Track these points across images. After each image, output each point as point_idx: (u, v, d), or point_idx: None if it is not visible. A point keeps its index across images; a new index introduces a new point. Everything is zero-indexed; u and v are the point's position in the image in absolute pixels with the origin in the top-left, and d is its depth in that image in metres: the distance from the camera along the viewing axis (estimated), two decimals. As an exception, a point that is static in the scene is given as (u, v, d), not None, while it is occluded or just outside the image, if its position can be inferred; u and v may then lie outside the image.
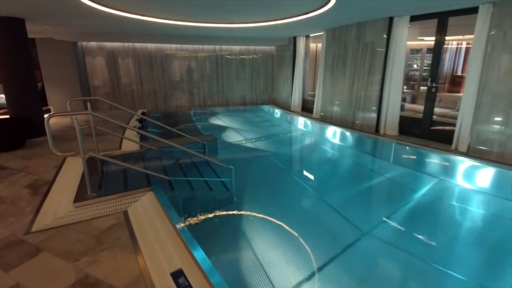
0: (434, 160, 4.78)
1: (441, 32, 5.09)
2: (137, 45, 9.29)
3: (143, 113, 8.58)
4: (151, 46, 9.39)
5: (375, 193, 4.19)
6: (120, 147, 5.22)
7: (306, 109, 8.59)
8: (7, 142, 5.02)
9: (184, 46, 9.65)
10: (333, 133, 6.81)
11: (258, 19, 5.78)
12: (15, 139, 5.13)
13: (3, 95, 7.57)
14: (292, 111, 8.74)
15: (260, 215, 3.39)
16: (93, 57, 9.10)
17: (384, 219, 3.31)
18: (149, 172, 3.55)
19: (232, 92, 10.30)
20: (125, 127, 5.25)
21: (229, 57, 9.99)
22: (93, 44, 9.00)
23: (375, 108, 5.94)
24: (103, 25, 6.57)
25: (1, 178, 3.83)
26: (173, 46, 9.57)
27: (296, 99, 8.71)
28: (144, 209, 2.97)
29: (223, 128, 7.72)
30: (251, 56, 10.19)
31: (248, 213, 3.46)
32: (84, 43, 8.94)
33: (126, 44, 9.19)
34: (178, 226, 2.58)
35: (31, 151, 5.03)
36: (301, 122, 8.04)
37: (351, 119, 6.54)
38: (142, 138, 6.44)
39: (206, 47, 9.76)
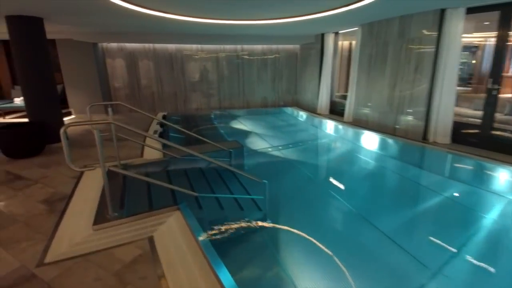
0: (503, 175, 4.09)
1: (504, 26, 4.40)
2: (158, 46, 9.01)
3: (163, 117, 8.27)
4: (171, 47, 9.09)
5: (433, 216, 3.58)
6: (142, 154, 4.86)
7: (335, 111, 7.99)
8: (25, 149, 4.77)
9: (205, 47, 9.28)
10: (371, 140, 6.09)
11: (290, 14, 5.27)
12: (34, 145, 4.88)
13: (20, 98, 7.48)
14: (319, 114, 8.15)
15: (299, 242, 2.91)
16: (113, 58, 8.90)
17: (454, 251, 2.72)
18: (175, 188, 3.13)
19: (253, 93, 9.85)
20: (146, 135, 4.90)
21: (250, 57, 9.54)
22: (114, 45, 8.79)
23: (422, 111, 5.27)
24: (123, 24, 6.27)
25: (17, 190, 3.54)
26: (194, 46, 9.22)
27: (323, 101, 8.13)
28: (172, 235, 2.54)
29: (245, 133, 7.26)
30: (273, 56, 9.69)
31: (285, 240, 2.99)
32: (105, 44, 8.74)
33: (146, 45, 8.93)
34: (210, 257, 2.14)
35: (49, 158, 4.76)
36: (331, 127, 7.39)
37: (392, 124, 5.88)
38: (164, 137, 6.16)
39: (227, 47, 9.35)
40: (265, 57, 9.65)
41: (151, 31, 7.60)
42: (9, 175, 4.05)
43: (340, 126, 6.88)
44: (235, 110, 9.67)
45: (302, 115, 8.70)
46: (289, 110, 9.62)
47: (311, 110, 8.71)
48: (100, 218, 2.72)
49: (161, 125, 7.20)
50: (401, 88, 5.59)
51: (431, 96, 5.17)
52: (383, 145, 5.76)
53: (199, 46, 9.26)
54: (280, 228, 3.19)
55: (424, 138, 5.33)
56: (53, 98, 5.47)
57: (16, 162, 4.58)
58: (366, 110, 6.49)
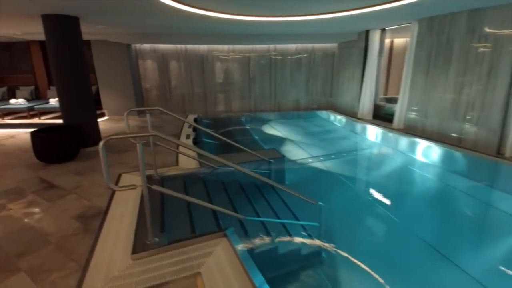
0: None
1: None
2: (189, 47, 8.77)
3: (195, 120, 7.99)
4: (203, 48, 8.81)
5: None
6: (177, 161, 4.53)
7: (379, 116, 7.26)
8: (60, 154, 4.61)
9: (237, 47, 8.91)
10: (431, 152, 5.18)
11: (340, 8, 4.70)
12: (68, 150, 4.71)
13: (56, 99, 7.51)
14: (359, 119, 7.46)
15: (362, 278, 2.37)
16: (145, 59, 8.78)
17: None
18: (221, 210, 2.70)
19: (285, 96, 9.33)
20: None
21: (282, 57, 9.02)
22: (147, 46, 8.67)
23: (497, 121, 4.47)
24: (158, 25, 6.02)
25: (51, 201, 3.30)
26: (225, 47, 8.88)
27: (365, 104, 7.43)
28: (221, 271, 2.11)
29: (279, 140, 6.73)
30: (308, 55, 9.11)
31: (347, 279, 2.46)
32: (138, 46, 8.64)
33: (178, 46, 8.72)
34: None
35: (83, 164, 4.56)
36: (379, 134, 6.58)
37: (457, 133, 5.08)
38: (197, 142, 5.82)
39: (258, 47, 8.92)
40: (299, 56, 9.10)
41: (185, 32, 7.34)
42: (42, 182, 3.87)
43: (390, 134, 6.07)
44: (266, 113, 9.21)
45: (341, 119, 8.01)
46: (323, 113, 8.98)
47: (350, 114, 8.03)
48: (139, 244, 2.35)
49: (194, 129, 6.88)
50: (470, 92, 4.81)
51: (508, 103, 4.37)
52: (446, 159, 4.90)
53: (230, 46, 8.91)
54: (340, 264, 2.67)
55: (498, 152, 4.53)
56: (88, 100, 5.31)
57: (50, 167, 4.42)
58: (423, 116, 5.74)
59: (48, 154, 4.51)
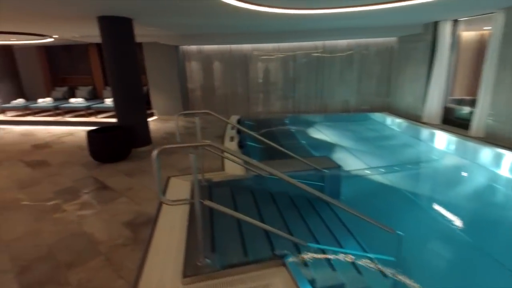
0: None
1: None
2: (234, 47, 8.61)
3: (238, 121, 7.78)
4: (247, 47, 8.58)
5: None
6: (223, 167, 4.30)
7: (450, 121, 6.29)
8: (113, 153, 4.68)
9: (282, 45, 8.51)
10: None
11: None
12: (122, 150, 4.78)
13: (110, 99, 7.88)
14: (424, 123, 6.54)
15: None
16: (191, 61, 8.85)
17: None
18: (280, 234, 2.34)
19: (332, 96, 8.67)
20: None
21: (332, 54, 8.38)
22: (193, 47, 8.72)
23: None
24: (208, 24, 5.88)
25: (102, 204, 3.27)
26: (270, 46, 8.54)
27: (433, 107, 6.50)
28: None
29: (329, 146, 6.13)
30: (361, 52, 8.35)
31: None
32: (185, 47, 8.72)
33: (222, 46, 8.61)
34: None
35: (135, 164, 4.58)
36: (452, 143, 5.48)
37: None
38: (242, 146, 5.56)
39: (305, 44, 8.40)
40: (351, 53, 8.37)
41: (232, 31, 7.16)
42: (96, 183, 3.91)
43: (468, 143, 5.03)
44: (311, 115, 8.66)
45: (400, 123, 7.09)
46: (378, 116, 8.12)
47: (412, 117, 7.13)
48: (190, 266, 2.10)
49: (238, 131, 6.65)
50: None
51: None
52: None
53: (275, 45, 8.54)
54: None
55: None
56: (140, 100, 5.37)
57: (103, 167, 4.51)
58: (509, 122, 4.78)
59: (102, 154, 4.61)
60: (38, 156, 5.16)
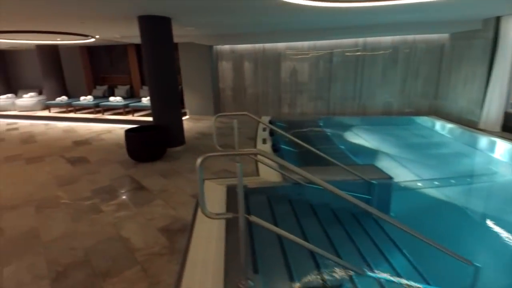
0: None
1: None
2: (267, 46, 8.38)
3: (270, 122, 7.53)
4: (280, 46, 8.29)
5: None
6: (257, 171, 4.06)
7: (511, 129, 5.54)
8: (149, 153, 4.65)
9: (318, 43, 8.10)
10: None
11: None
12: (158, 149, 4.74)
13: (147, 98, 8.08)
14: (481, 130, 5.80)
15: None
16: (224, 60, 8.76)
17: None
18: (333, 259, 2.04)
19: (373, 97, 8.09)
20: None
21: (373, 52, 7.81)
22: (226, 47, 8.62)
23: None
24: (246, 23, 5.69)
25: (139, 206, 3.18)
26: (305, 44, 8.17)
27: (492, 112, 5.75)
28: None
29: (371, 152, 5.62)
30: (406, 49, 7.69)
31: None
32: (219, 47, 8.65)
33: (256, 45, 8.41)
34: None
35: (169, 165, 4.51)
36: None
37: None
38: (276, 150, 5.30)
39: (344, 41, 7.91)
40: (395, 51, 7.73)
41: (269, 30, 6.90)
42: (133, 182, 3.86)
43: None
44: (347, 117, 8.15)
45: (452, 129, 6.33)
46: (425, 120, 7.41)
47: (465, 122, 6.39)
48: (232, 286, 1.87)
49: (271, 133, 6.39)
50: None
51: None
52: None
53: (311, 43, 8.15)
54: None
55: None
56: (176, 100, 5.33)
57: (140, 166, 4.48)
58: None
59: (139, 153, 4.60)
60: (78, 152, 5.30)
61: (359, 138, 6.67)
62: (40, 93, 10.29)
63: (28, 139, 6.39)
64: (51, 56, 9.12)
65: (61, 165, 4.66)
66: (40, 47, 8.89)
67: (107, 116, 8.08)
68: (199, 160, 1.62)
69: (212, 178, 3.89)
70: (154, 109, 5.21)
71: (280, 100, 8.71)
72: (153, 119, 5.28)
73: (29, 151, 5.43)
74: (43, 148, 5.63)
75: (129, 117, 7.90)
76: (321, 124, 7.66)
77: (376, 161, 5.04)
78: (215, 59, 8.71)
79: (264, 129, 6.82)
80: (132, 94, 9.78)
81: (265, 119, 8.27)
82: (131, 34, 7.05)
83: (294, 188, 3.54)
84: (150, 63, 4.99)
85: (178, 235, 2.60)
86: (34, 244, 2.52)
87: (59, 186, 3.77)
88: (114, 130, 7.15)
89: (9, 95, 9.69)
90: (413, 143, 6.20)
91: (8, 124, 8.16)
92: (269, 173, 3.96)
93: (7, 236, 2.66)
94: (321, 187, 2.05)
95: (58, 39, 7.62)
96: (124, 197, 3.42)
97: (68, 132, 7.03)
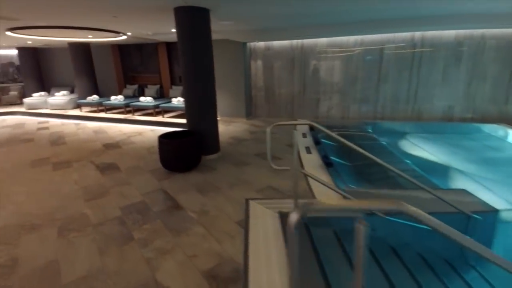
0: None
1: None
2: (307, 42, 7.62)
3: (311, 128, 6.78)
4: (321, 42, 7.51)
5: None
6: (310, 190, 3.36)
7: None
8: (184, 162, 4.10)
9: (367, 38, 7.22)
10: None
11: None
12: (193, 158, 4.18)
13: (177, 99, 7.64)
14: None
15: None
16: (257, 58, 8.13)
17: None
18: None
19: (430, 100, 7.06)
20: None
21: (432, 49, 6.80)
22: (261, 44, 7.98)
23: None
24: (291, 13, 4.99)
25: (176, 233, 2.60)
26: (351, 39, 7.32)
27: None
28: None
29: (441, 169, 4.67)
30: (473, 46, 6.60)
31: None
32: (253, 44, 8.03)
33: (294, 42, 7.69)
34: None
35: (205, 177, 3.93)
36: None
37: None
38: (329, 163, 4.53)
39: (398, 36, 6.96)
40: (459, 46, 6.67)
41: (312, 23, 6.14)
42: (167, 199, 3.32)
43: None
44: (398, 123, 7.20)
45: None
46: (494, 128, 6.29)
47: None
48: None
49: (316, 141, 5.66)
50: None
51: None
52: None
53: (358, 38, 7.28)
54: None
55: None
56: (213, 103, 4.74)
57: (173, 177, 3.96)
58: None
59: (173, 162, 4.08)
60: (108, 157, 4.90)
61: (419, 148, 5.73)
62: (72, 91, 10.25)
63: (58, 140, 6.13)
64: (83, 54, 8.98)
65: (90, 172, 4.24)
66: (72, 44, 8.76)
67: (137, 116, 7.75)
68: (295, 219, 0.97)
69: (258, 199, 3.25)
70: (189, 112, 4.67)
71: (318, 101, 7.93)
72: (188, 123, 4.74)
73: (58, 154, 5.12)
74: (72, 151, 5.31)
75: (159, 118, 7.51)
76: (369, 130, 6.79)
77: (451, 181, 4.15)
78: (248, 57, 8.11)
79: (304, 136, 6.10)
80: (161, 94, 9.43)
81: (302, 122, 7.53)
82: (163, 30, 6.61)
83: (368, 221, 2.80)
84: (186, 61, 4.44)
85: (229, 287, 1.98)
86: (52, 287, 2.01)
87: (86, 201, 3.31)
88: (144, 132, 6.76)
89: (42, 93, 9.71)
90: (488, 157, 5.17)
91: (39, 122, 8.07)
92: (326, 194, 3.26)
93: (22, 273, 2.18)
94: (406, 221, 1.34)
95: (89, 36, 7.37)
96: (158, 219, 2.87)
97: (98, 133, 6.73)
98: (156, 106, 7.69)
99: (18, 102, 10.41)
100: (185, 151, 4.04)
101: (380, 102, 7.45)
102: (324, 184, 2.76)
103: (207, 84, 4.58)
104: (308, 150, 5.14)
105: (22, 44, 9.16)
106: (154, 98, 8.77)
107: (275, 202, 3.12)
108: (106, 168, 4.39)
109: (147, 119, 7.43)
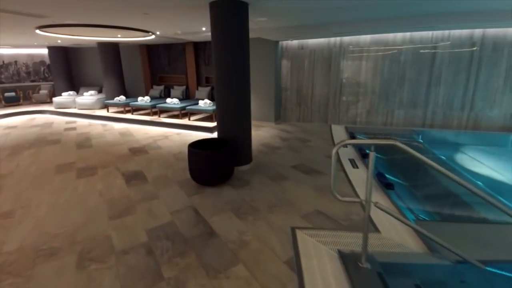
0: None
1: None
2: (346, 39, 6.95)
3: (351, 135, 6.14)
4: (364, 39, 6.82)
5: None
6: (368, 218, 2.76)
7: None
8: (216, 175, 3.65)
9: (416, 35, 6.44)
10: None
11: None
12: (225, 170, 3.72)
13: (204, 101, 7.24)
14: None
15: None
16: (289, 58, 7.58)
17: None
18: None
19: (490, 107, 6.15)
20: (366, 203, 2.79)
21: (495, 48, 5.90)
22: (294, 43, 7.42)
23: None
24: (336, 4, 4.40)
25: (213, 273, 2.13)
26: (398, 36, 6.57)
27: None
28: None
29: (503, 187, 3.93)
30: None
31: None
32: (285, 43, 7.49)
33: (332, 39, 7.05)
34: None
35: (240, 194, 3.46)
36: None
37: None
38: (389, 184, 3.87)
39: (453, 33, 6.11)
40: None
41: (354, 18, 5.50)
42: (199, 222, 2.88)
43: None
44: (450, 132, 6.35)
45: None
46: None
47: None
48: None
49: (364, 154, 5.03)
50: None
51: None
52: None
53: (406, 35, 6.51)
54: None
55: None
56: (248, 107, 4.26)
57: (204, 192, 3.52)
58: None
59: (204, 176, 3.63)
60: (134, 164, 4.57)
61: (480, 164, 4.93)
62: (100, 91, 10.23)
63: (84, 142, 5.94)
64: (112, 53, 8.86)
65: (115, 181, 3.92)
66: (101, 44, 8.65)
67: (163, 119, 7.46)
68: None
69: (306, 228, 2.72)
70: (221, 117, 4.22)
71: (356, 105, 7.24)
72: (219, 129, 4.29)
73: (83, 159, 4.87)
74: (98, 155, 5.05)
75: (185, 120, 7.17)
76: (420, 140, 6.03)
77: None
78: (280, 57, 7.58)
79: (345, 145, 5.46)
80: (187, 95, 9.14)
81: (338, 128, 6.91)
82: (193, 29, 6.24)
83: (457, 270, 2.18)
84: (221, 60, 3.99)
85: None
86: None
87: (110, 219, 2.94)
88: (171, 135, 6.44)
89: (71, 92, 9.74)
90: None
91: (67, 122, 8.02)
92: (393, 227, 2.66)
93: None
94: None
95: (118, 35, 7.16)
96: (191, 250, 2.42)
97: (124, 135, 6.49)
98: (183, 108, 7.36)
99: (48, 100, 10.56)
100: (218, 163, 3.59)
101: (430, 108, 6.63)
102: (407, 224, 2.17)
103: (244, 86, 4.11)
104: (353, 164, 4.54)
105: (52, 43, 9.21)
106: (180, 99, 8.47)
107: (329, 235, 2.58)
108: (132, 177, 4.04)
109: (173, 121, 7.12)
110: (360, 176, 3.92)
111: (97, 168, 4.45)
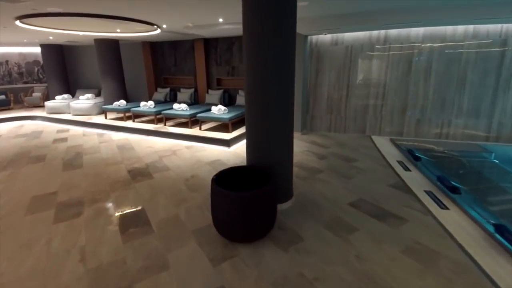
0: None
1: None
2: (392, 33, 5.75)
3: (410, 152, 4.90)
4: (414, 32, 5.61)
5: None
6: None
7: None
8: (256, 226, 2.45)
9: (483, 28, 5.23)
10: None
11: None
12: (265, 218, 2.51)
13: (218, 107, 6.02)
14: None
15: None
16: (319, 55, 6.38)
17: None
18: None
19: None
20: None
21: None
22: (327, 38, 6.22)
23: None
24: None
25: None
26: (458, 29, 5.35)
27: None
28: None
29: None
30: None
31: None
32: (315, 38, 6.30)
33: (374, 33, 5.85)
34: None
35: (292, 262, 2.27)
36: None
37: None
38: (505, 232, 2.63)
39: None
40: None
41: (404, 5, 4.24)
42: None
43: None
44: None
45: None
46: None
47: None
48: None
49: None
50: None
51: None
52: None
53: (469, 27, 5.29)
54: None
55: None
56: (291, 123, 3.04)
57: (237, 257, 2.35)
58: None
59: (236, 228, 2.43)
60: (133, 196, 3.42)
61: None
62: (98, 94, 9.10)
63: (73, 160, 4.79)
64: (110, 52, 7.73)
65: (107, 228, 2.76)
66: (98, 41, 7.52)
67: (169, 128, 6.29)
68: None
69: None
70: (254, 135, 3.02)
71: (404, 113, 6.01)
72: (250, 153, 3.09)
73: (68, 186, 3.73)
74: (87, 180, 3.91)
75: (196, 130, 5.99)
76: (492, 157, 4.80)
77: None
78: (309, 55, 6.39)
79: (400, 162, 4.24)
80: (196, 99, 7.98)
81: (382, 141, 5.69)
82: (208, 21, 5.06)
83: None
84: (258, 57, 2.79)
85: None
86: None
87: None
88: (180, 150, 5.27)
89: (65, 95, 8.62)
90: None
91: (58, 131, 6.89)
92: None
93: None
94: None
95: (117, 30, 6.01)
96: None
97: (123, 149, 5.34)
98: (193, 116, 6.19)
99: (42, 104, 9.45)
100: (258, 209, 2.39)
101: (496, 117, 5.39)
102: None
103: (286, 94, 2.91)
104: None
105: (44, 41, 8.08)
106: (188, 104, 7.32)
107: None
108: (131, 222, 2.88)
109: (182, 131, 5.94)
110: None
111: (83, 203, 3.28)
